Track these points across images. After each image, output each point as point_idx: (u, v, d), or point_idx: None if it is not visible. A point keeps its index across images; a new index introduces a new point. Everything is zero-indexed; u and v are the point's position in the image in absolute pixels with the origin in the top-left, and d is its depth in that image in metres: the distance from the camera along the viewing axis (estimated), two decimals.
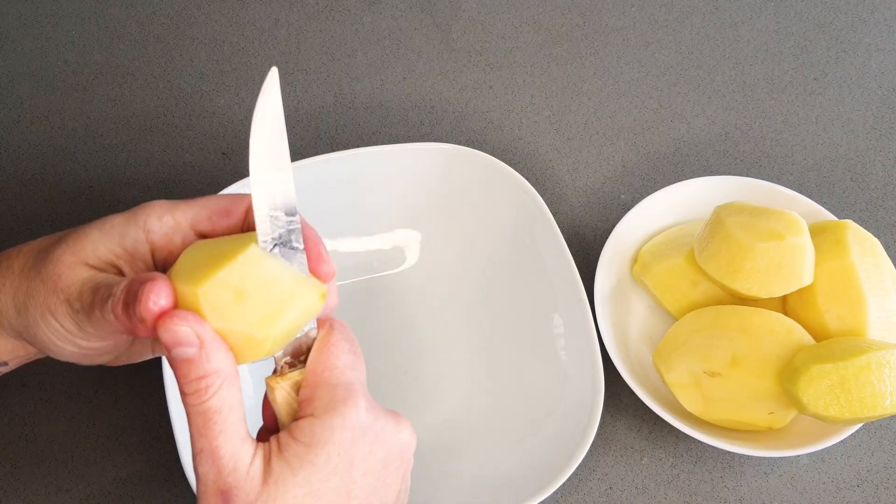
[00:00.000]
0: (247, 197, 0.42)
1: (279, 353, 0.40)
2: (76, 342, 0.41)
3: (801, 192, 0.69)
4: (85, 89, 0.74)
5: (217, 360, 0.37)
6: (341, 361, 0.40)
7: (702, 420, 0.60)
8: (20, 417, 0.61)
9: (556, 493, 0.58)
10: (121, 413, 0.62)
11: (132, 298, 0.36)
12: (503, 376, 0.63)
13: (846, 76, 0.79)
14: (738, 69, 0.79)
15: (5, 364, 0.45)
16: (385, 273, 0.67)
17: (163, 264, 0.41)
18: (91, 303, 0.38)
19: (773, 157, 0.75)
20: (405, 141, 0.73)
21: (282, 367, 0.40)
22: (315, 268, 0.41)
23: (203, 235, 0.42)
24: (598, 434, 0.58)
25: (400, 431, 0.41)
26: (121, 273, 0.41)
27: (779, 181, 0.72)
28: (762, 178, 0.69)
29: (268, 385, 0.40)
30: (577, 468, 0.56)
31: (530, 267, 0.64)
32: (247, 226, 0.42)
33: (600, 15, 0.81)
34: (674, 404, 0.61)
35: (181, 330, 0.36)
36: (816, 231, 0.62)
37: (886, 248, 0.64)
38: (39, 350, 0.43)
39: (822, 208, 0.67)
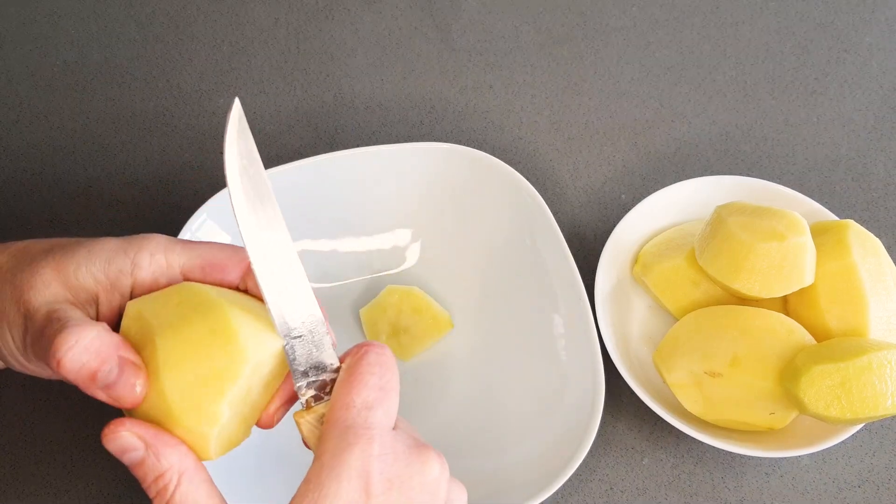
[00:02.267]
0: (244, 253, 0.41)
1: (302, 383, 0.38)
2: (18, 359, 0.40)
3: (802, 191, 0.69)
4: (84, 89, 0.74)
5: (169, 457, 0.36)
6: (360, 398, 0.37)
7: (702, 420, 0.60)
8: (20, 417, 0.61)
9: (556, 493, 0.58)
10: (120, 413, 0.61)
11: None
12: (503, 376, 0.63)
13: (847, 76, 0.79)
14: (739, 69, 0.79)
15: None
16: (385, 273, 0.67)
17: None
18: (40, 330, 0.37)
19: (774, 156, 0.75)
20: (405, 141, 0.73)
21: (307, 402, 0.38)
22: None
23: (190, 280, 0.41)
24: (598, 434, 0.58)
25: (426, 470, 0.38)
26: (96, 301, 0.39)
27: (780, 181, 0.72)
28: (763, 178, 0.69)
29: (295, 421, 0.39)
30: (578, 469, 0.56)
31: (530, 267, 0.63)
32: (242, 286, 0.41)
33: (600, 15, 0.81)
34: (674, 405, 0.61)
35: (122, 436, 0.36)
36: (817, 231, 0.62)
37: (888, 248, 0.64)
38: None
39: (824, 208, 0.67)
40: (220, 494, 0.38)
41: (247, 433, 0.40)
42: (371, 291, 0.66)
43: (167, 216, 0.68)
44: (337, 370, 0.39)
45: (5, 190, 0.69)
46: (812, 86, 0.78)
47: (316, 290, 0.66)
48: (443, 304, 0.66)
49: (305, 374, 0.39)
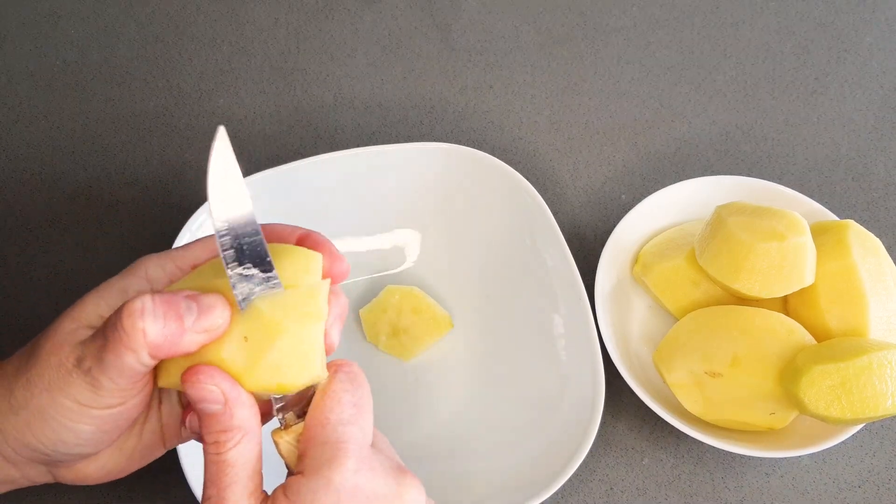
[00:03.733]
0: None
1: (280, 402, 0.38)
2: (91, 413, 0.38)
3: (802, 191, 0.69)
4: (84, 89, 0.74)
5: (240, 417, 0.37)
6: (335, 415, 0.38)
7: (702, 420, 0.60)
8: None
9: (556, 493, 0.58)
10: None
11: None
12: (503, 376, 0.63)
13: (848, 76, 0.79)
14: (739, 69, 0.79)
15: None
16: (385, 273, 0.67)
17: None
18: (101, 343, 0.36)
19: (774, 156, 0.75)
20: (405, 141, 0.73)
21: (285, 420, 0.39)
22: (329, 267, 0.40)
23: None
24: (598, 434, 0.58)
25: (402, 492, 0.39)
26: None
27: (780, 181, 0.72)
28: (763, 178, 0.69)
29: (273, 439, 0.39)
30: (578, 469, 0.56)
31: (530, 267, 0.63)
32: None
33: (600, 15, 0.80)
34: (674, 405, 0.61)
35: (207, 388, 0.36)
36: (818, 231, 0.62)
37: (888, 249, 0.64)
38: (44, 456, 0.40)
39: (824, 208, 0.67)
40: (262, 458, 0.38)
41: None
42: (371, 291, 0.66)
43: (167, 216, 0.68)
44: (314, 385, 0.39)
45: (5, 190, 0.69)
46: (812, 86, 0.78)
47: None
48: (443, 305, 0.66)
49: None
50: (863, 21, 0.82)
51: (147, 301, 0.36)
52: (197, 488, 0.53)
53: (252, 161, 0.71)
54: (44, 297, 0.65)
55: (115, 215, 0.69)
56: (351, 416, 0.38)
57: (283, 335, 0.37)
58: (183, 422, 0.41)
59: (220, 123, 0.44)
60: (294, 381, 0.37)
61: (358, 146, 0.66)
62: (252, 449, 0.37)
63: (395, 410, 0.63)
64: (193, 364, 0.37)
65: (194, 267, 0.41)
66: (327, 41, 0.78)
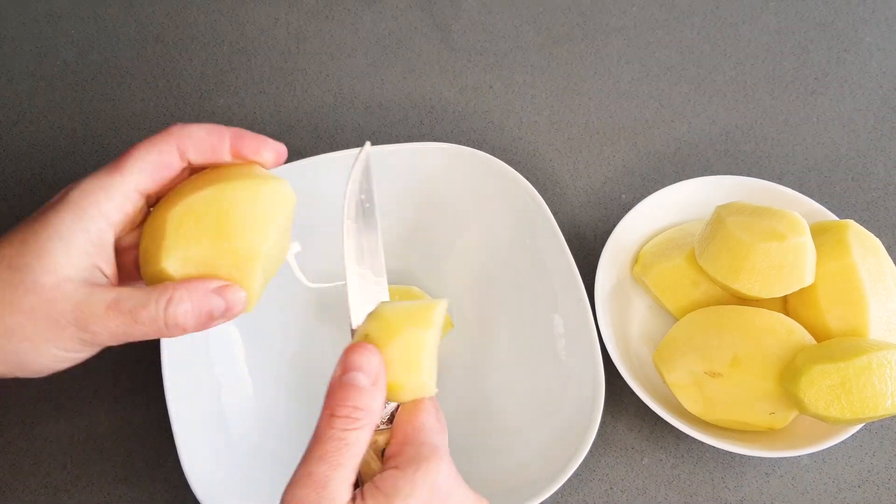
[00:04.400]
0: (168, 138, 0.42)
1: None
2: (73, 356, 0.41)
3: (802, 191, 0.69)
4: (84, 89, 0.74)
5: (378, 401, 0.39)
6: (429, 423, 0.41)
7: (702, 420, 0.60)
8: (20, 417, 0.61)
9: (556, 493, 0.58)
10: (120, 413, 0.62)
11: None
12: (503, 376, 0.63)
13: (847, 76, 0.79)
14: (739, 69, 0.79)
15: None
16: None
17: (125, 245, 0.42)
18: (129, 323, 0.39)
19: (773, 156, 0.75)
20: (405, 141, 0.73)
21: None
22: (257, 154, 0.44)
23: (156, 195, 0.43)
24: (598, 434, 0.58)
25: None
26: (100, 271, 0.40)
27: (780, 181, 0.72)
28: (763, 178, 0.69)
29: None
30: (578, 468, 0.56)
31: (530, 267, 0.63)
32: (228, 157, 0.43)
33: (600, 15, 0.81)
34: (674, 404, 0.61)
35: (369, 359, 0.39)
36: (817, 231, 0.62)
37: (888, 248, 0.64)
38: (27, 373, 0.42)
39: (824, 208, 0.67)
40: None
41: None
42: None
43: None
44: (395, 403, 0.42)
45: (5, 190, 0.69)
46: (812, 86, 0.78)
47: (317, 290, 0.66)
48: None
49: None
50: (862, 21, 0.82)
51: (187, 306, 0.40)
52: (196, 486, 0.53)
53: None
54: None
55: None
56: (440, 427, 0.41)
57: (400, 336, 0.40)
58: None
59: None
60: (402, 380, 0.40)
61: (358, 146, 0.66)
62: (367, 439, 0.39)
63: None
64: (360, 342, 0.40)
65: (141, 194, 0.42)
66: (327, 41, 0.78)
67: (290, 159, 0.64)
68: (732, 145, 0.75)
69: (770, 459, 0.63)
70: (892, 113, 0.77)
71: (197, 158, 0.43)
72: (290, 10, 0.79)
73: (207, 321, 0.40)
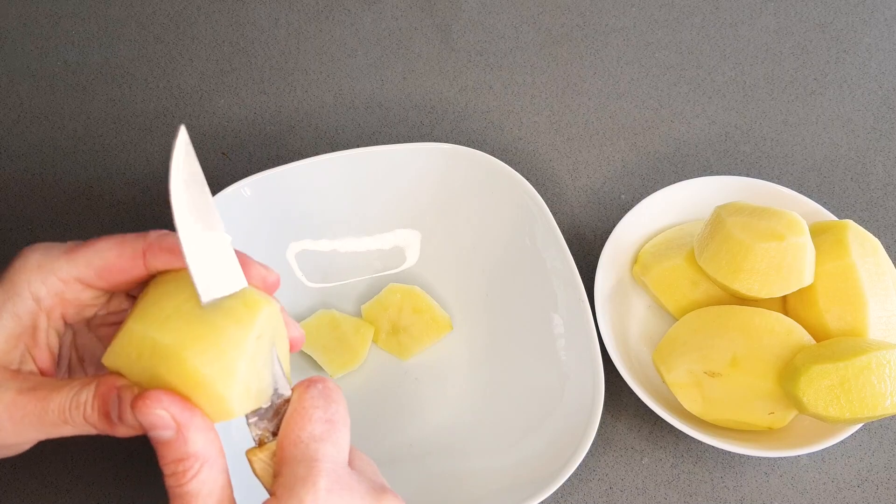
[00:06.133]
0: (136, 241, 0.39)
1: (253, 419, 0.37)
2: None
3: (801, 192, 0.69)
4: (85, 89, 0.74)
5: (196, 443, 0.35)
6: (306, 433, 0.37)
7: (702, 420, 0.60)
8: None
9: (556, 493, 0.58)
10: None
11: (111, 407, 0.36)
12: (503, 376, 0.63)
13: (846, 76, 0.79)
14: (739, 69, 0.79)
15: None
16: (385, 273, 0.67)
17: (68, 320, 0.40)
18: (40, 410, 0.37)
19: (773, 157, 0.75)
20: (405, 141, 0.73)
21: (259, 438, 0.38)
22: (254, 277, 0.39)
23: (118, 289, 0.40)
24: (598, 434, 0.58)
25: None
26: (27, 352, 0.38)
27: (779, 181, 0.72)
28: (762, 178, 0.69)
29: (247, 458, 0.38)
30: (577, 468, 0.56)
31: (530, 267, 0.64)
32: (150, 274, 0.40)
33: (600, 15, 0.81)
34: (674, 404, 0.61)
35: (156, 414, 0.35)
36: (817, 231, 0.62)
37: (887, 249, 0.64)
38: None
39: (823, 208, 0.67)
40: (231, 486, 0.37)
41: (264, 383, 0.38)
42: (373, 290, 0.66)
43: (167, 216, 0.68)
44: (288, 401, 0.38)
45: (6, 190, 0.69)
46: (811, 86, 0.78)
47: (318, 290, 0.66)
48: (443, 303, 0.66)
49: (259, 408, 0.38)
50: (861, 22, 0.82)
51: (90, 395, 0.36)
52: None
53: (252, 161, 0.71)
54: None
55: (115, 215, 0.69)
56: (323, 432, 0.37)
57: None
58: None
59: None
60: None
61: (358, 146, 0.66)
62: (215, 478, 0.36)
63: (394, 410, 0.63)
64: (142, 392, 0.35)
65: (80, 281, 0.39)
66: (327, 41, 0.78)
67: (290, 159, 0.64)
68: (732, 145, 0.75)
69: (769, 459, 0.63)
70: (891, 113, 0.78)
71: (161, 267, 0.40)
72: (290, 10, 0.79)
73: (105, 421, 0.36)
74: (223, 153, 0.72)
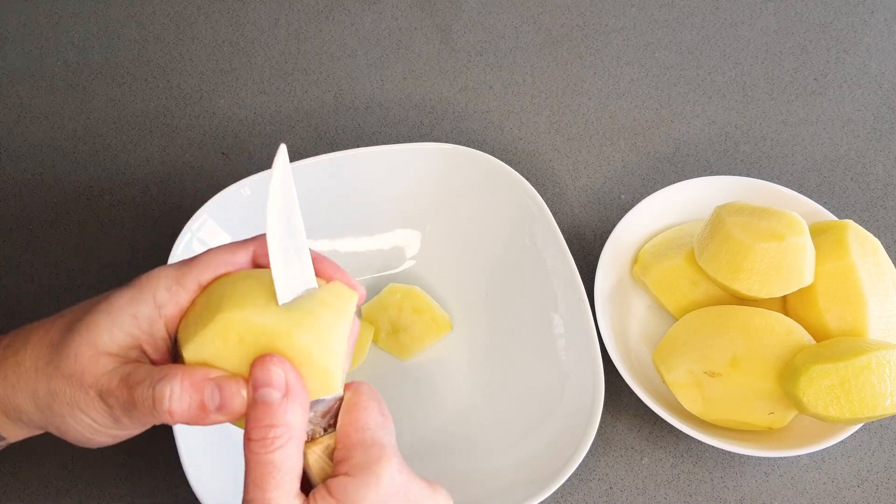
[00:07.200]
0: (247, 244, 0.42)
1: (310, 413, 0.40)
2: (110, 433, 0.41)
3: (801, 192, 0.69)
4: (85, 89, 0.74)
5: (295, 414, 0.37)
6: (373, 421, 0.40)
7: (702, 420, 0.60)
8: None
9: (556, 493, 0.58)
10: None
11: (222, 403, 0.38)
12: (503, 376, 0.63)
13: (846, 76, 0.79)
14: (738, 69, 0.79)
15: (3, 439, 0.45)
16: (385, 273, 0.67)
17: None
18: (129, 400, 0.38)
19: (773, 157, 0.75)
20: (405, 141, 0.73)
21: (312, 434, 0.40)
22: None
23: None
24: (598, 434, 0.58)
25: (437, 497, 0.40)
26: (143, 352, 0.40)
27: (779, 181, 0.72)
28: (762, 178, 0.69)
29: (303, 452, 0.40)
30: (577, 468, 0.56)
31: (530, 267, 0.64)
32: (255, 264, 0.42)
33: (600, 15, 0.81)
34: (674, 404, 0.61)
35: (275, 370, 0.37)
36: (817, 231, 0.62)
37: (887, 249, 0.64)
38: (70, 441, 0.42)
39: (823, 208, 0.67)
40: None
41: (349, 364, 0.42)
42: (373, 290, 0.66)
43: (167, 216, 0.69)
44: (341, 399, 0.40)
45: (6, 190, 0.69)
46: (811, 86, 0.78)
47: None
48: (443, 303, 0.66)
49: (314, 402, 0.40)
50: (861, 22, 0.82)
51: (176, 388, 0.37)
52: (196, 486, 0.54)
53: (252, 161, 0.71)
54: (45, 296, 0.65)
55: (115, 215, 0.69)
56: (383, 422, 0.40)
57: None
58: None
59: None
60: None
61: (358, 146, 0.66)
62: (297, 458, 0.38)
63: (394, 410, 0.62)
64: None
65: (201, 287, 0.41)
66: (327, 41, 0.78)
67: (290, 160, 0.64)
68: (732, 145, 0.75)
69: (769, 459, 0.63)
70: (890, 113, 0.78)
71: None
72: (290, 10, 0.79)
73: (199, 412, 0.38)
74: (223, 153, 0.72)
